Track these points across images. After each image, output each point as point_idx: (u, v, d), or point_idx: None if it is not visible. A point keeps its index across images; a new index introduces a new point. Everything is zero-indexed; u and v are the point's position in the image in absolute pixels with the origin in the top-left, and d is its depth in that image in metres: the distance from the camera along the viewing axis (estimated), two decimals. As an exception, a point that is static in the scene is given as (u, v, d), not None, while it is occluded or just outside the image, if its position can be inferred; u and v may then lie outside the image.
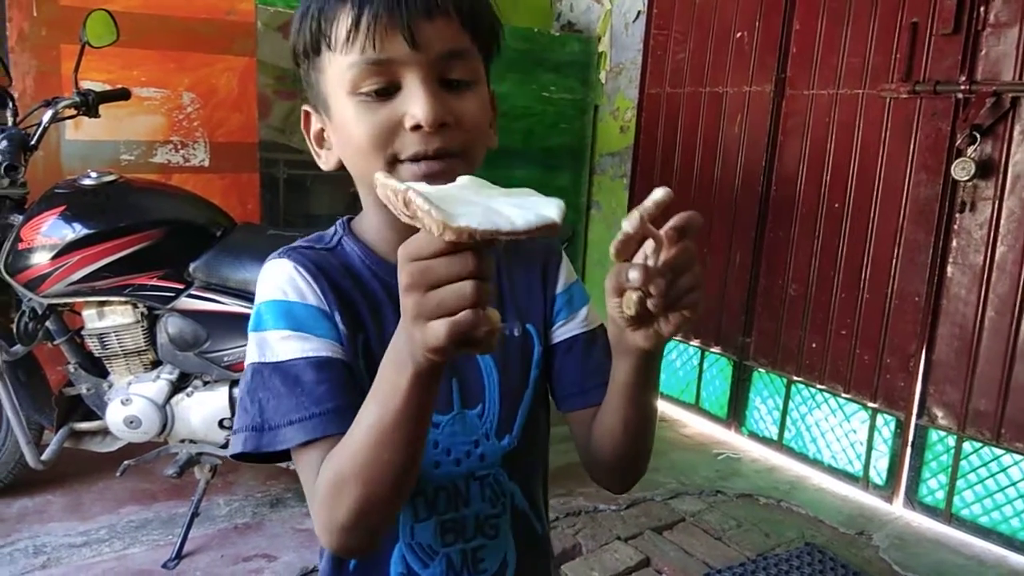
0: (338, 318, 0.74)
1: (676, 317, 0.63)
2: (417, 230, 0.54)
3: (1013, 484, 2.47)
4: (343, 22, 0.70)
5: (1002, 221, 2.45)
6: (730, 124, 3.22)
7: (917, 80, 2.59)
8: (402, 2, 0.68)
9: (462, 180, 0.60)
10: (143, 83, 2.76)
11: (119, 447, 2.33)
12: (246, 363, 0.75)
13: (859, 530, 2.57)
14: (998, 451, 2.49)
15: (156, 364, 2.25)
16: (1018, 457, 2.45)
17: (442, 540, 0.78)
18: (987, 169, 2.46)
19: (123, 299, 2.16)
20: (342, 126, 0.73)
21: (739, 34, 3.15)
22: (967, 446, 2.57)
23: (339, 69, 0.71)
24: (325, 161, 0.79)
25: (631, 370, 0.71)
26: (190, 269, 2.15)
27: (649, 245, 0.63)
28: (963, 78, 2.48)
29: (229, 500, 2.53)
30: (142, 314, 2.19)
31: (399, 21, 0.68)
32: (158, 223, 2.14)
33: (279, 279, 0.75)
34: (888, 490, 2.77)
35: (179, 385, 2.23)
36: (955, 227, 2.57)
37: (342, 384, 0.72)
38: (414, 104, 0.69)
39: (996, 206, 2.46)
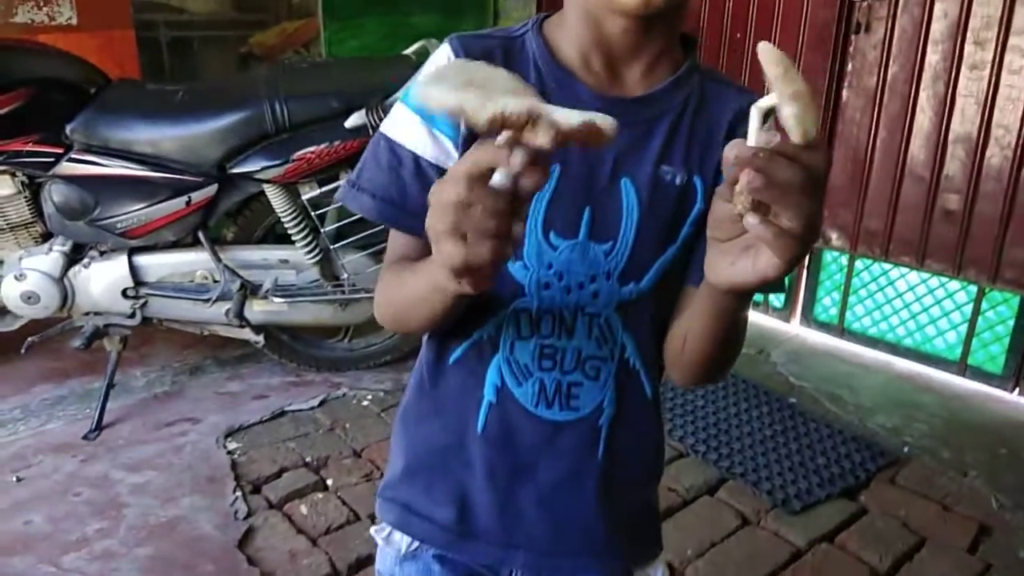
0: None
1: (776, 239, 0.52)
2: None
3: (899, 295, 2.65)
4: None
5: (894, 41, 2.50)
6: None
7: (815, -102, 2.54)
8: None
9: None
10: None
11: (20, 325, 2.25)
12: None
13: (759, 349, 2.75)
14: (886, 266, 2.66)
15: (47, 237, 2.15)
16: (904, 270, 2.62)
17: (539, 364, 0.77)
18: (881, -11, 2.47)
19: (-1, 169, 2.03)
20: None
21: None
22: (858, 264, 2.73)
23: None
24: None
25: (724, 299, 0.66)
26: (67, 131, 2.00)
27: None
28: None
29: (146, 372, 2.50)
30: (23, 183, 2.06)
31: None
32: (24, 82, 1.97)
33: (434, 62, 0.75)
34: (786, 312, 2.94)
35: (74, 257, 2.14)
36: (851, 49, 2.60)
37: None
38: None
39: (889, 26, 2.49)
